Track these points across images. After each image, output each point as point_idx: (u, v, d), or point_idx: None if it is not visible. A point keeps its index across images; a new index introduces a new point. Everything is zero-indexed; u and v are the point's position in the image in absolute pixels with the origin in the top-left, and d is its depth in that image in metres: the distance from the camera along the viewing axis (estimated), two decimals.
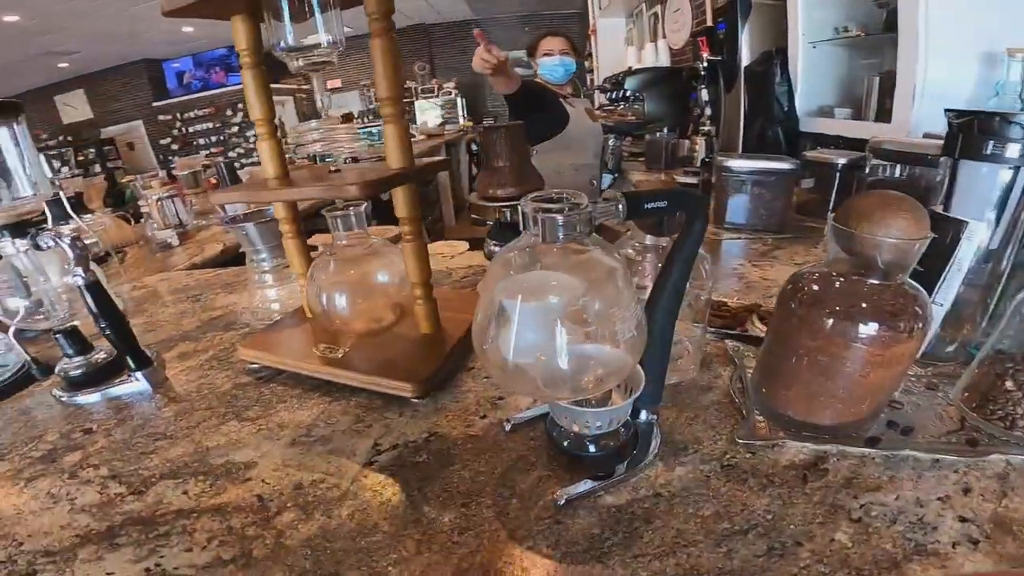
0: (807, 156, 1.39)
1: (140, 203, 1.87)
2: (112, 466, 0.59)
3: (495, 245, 0.87)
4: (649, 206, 0.43)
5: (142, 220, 1.85)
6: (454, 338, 0.70)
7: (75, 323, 0.77)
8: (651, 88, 3.62)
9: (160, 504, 0.52)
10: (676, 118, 3.49)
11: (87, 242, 0.82)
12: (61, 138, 9.11)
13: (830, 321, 0.47)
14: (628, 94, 3.47)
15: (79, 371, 0.76)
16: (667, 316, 0.48)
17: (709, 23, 3.43)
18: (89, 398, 0.74)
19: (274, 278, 0.94)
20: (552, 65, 2.21)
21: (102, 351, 0.79)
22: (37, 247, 0.67)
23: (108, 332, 0.71)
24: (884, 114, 1.62)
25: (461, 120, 8.56)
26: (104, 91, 9.32)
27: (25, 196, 0.66)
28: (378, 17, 0.57)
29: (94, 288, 0.68)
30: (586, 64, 5.89)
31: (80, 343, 0.77)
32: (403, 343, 0.71)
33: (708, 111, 2.43)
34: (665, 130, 3.30)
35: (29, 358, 0.75)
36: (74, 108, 9.52)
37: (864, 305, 0.47)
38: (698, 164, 2.21)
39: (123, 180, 9.11)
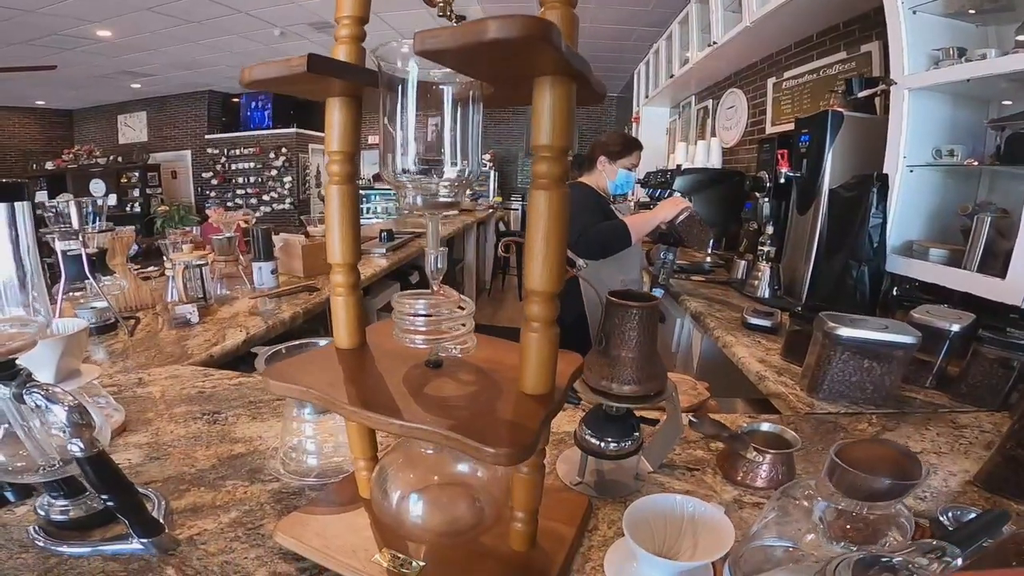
0: (915, 318, 1.22)
1: (166, 264, 1.69)
2: None
3: (591, 436, 0.71)
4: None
5: (166, 274, 1.70)
6: (556, 562, 0.52)
7: (69, 474, 0.60)
8: (701, 191, 3.48)
9: None
10: (724, 227, 3.37)
11: (92, 403, 0.67)
12: (112, 157, 9.32)
13: None
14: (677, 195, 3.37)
15: (64, 516, 0.59)
16: None
17: (769, 129, 3.27)
18: (75, 550, 0.57)
19: (312, 411, 0.76)
20: (630, 178, 2.07)
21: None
22: (20, 400, 0.51)
23: (112, 504, 0.54)
24: (991, 261, 1.40)
25: (492, 195, 8.55)
26: (164, 117, 9.62)
27: (15, 318, 0.50)
28: None
29: (97, 462, 0.52)
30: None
31: (70, 486, 0.61)
32: (494, 564, 0.53)
33: (770, 229, 2.28)
34: (711, 240, 3.17)
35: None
36: (132, 129, 9.88)
37: None
38: (763, 293, 2.05)
39: (159, 208, 9.08)
